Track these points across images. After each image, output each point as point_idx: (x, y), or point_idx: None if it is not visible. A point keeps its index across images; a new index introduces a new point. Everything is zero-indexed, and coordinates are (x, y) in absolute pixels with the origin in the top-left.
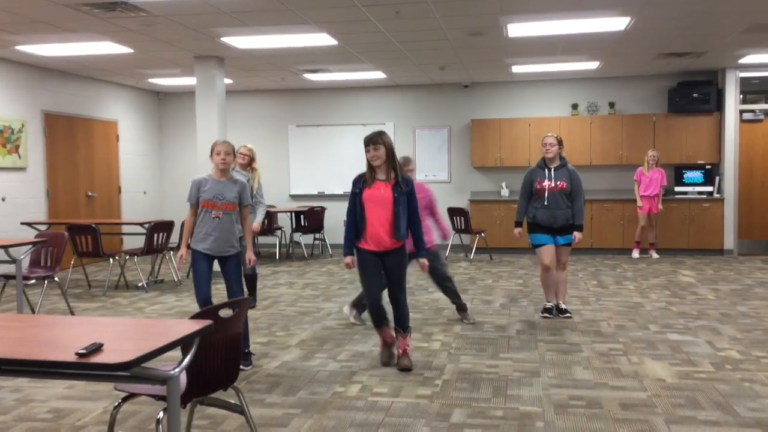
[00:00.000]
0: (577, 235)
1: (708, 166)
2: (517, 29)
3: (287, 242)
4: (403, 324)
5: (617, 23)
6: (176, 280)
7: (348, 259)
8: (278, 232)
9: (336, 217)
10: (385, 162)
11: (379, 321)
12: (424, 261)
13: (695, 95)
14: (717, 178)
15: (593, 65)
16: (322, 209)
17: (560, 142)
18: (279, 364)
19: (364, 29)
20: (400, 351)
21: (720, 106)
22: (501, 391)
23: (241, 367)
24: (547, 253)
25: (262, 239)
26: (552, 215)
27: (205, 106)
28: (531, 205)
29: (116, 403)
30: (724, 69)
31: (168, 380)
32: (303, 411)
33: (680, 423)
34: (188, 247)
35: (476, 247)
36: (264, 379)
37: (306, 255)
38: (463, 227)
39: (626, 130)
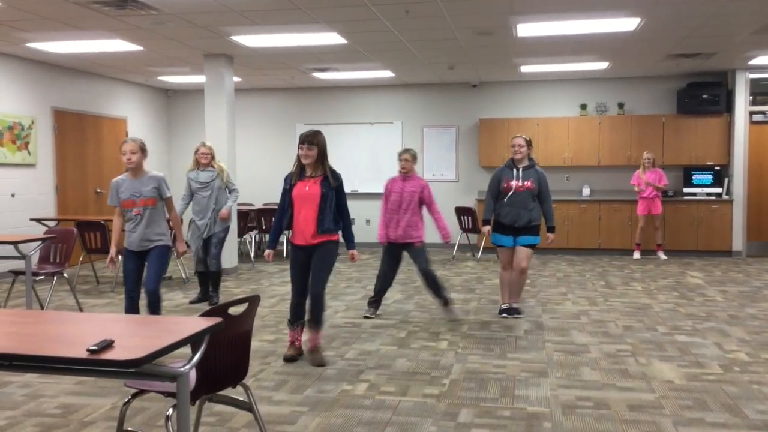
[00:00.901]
0: (550, 236)
1: (717, 168)
2: (526, 29)
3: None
4: (316, 317)
5: (627, 24)
6: (184, 277)
7: (268, 251)
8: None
9: None
10: (316, 161)
11: (295, 319)
12: (353, 252)
13: (705, 96)
14: (726, 180)
15: (602, 65)
16: None
17: (529, 144)
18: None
19: (373, 28)
20: (311, 346)
21: (729, 108)
22: (508, 391)
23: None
24: (505, 254)
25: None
26: (515, 214)
27: (214, 104)
28: (497, 203)
29: (126, 400)
30: (734, 70)
31: (178, 377)
32: (310, 409)
33: (688, 425)
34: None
35: (483, 247)
36: (272, 377)
37: None
38: (470, 227)
39: (635, 130)
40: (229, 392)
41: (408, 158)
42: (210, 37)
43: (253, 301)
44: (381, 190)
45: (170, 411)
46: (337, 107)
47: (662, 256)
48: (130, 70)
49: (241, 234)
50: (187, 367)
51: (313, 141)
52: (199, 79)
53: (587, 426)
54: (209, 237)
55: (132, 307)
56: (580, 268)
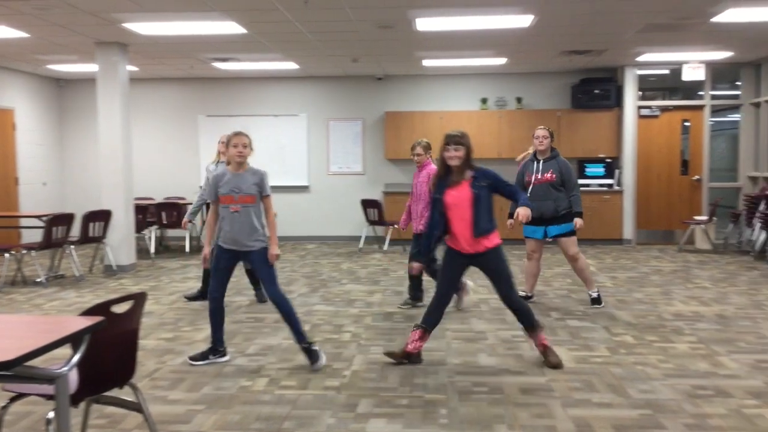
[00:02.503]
0: (578, 221)
1: (609, 160)
2: (425, 23)
3: (198, 235)
4: (529, 320)
5: (522, 20)
6: (77, 275)
7: (417, 266)
8: (189, 225)
9: None
10: (463, 163)
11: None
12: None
13: (596, 92)
14: (617, 171)
15: (501, 61)
16: None
17: (552, 135)
18: (184, 360)
19: (273, 18)
20: (543, 348)
21: (619, 102)
22: (408, 379)
23: (315, 366)
24: (530, 244)
25: (171, 232)
26: (539, 206)
27: (107, 94)
28: None
29: (3, 404)
30: (623, 67)
31: (56, 379)
32: (207, 407)
33: (576, 406)
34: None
35: (390, 239)
36: (168, 375)
37: None
38: (376, 219)
39: (533, 124)
40: (119, 393)
41: (419, 152)
42: (100, 24)
43: (139, 298)
44: (287, 183)
45: (51, 414)
46: (241, 99)
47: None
48: (16, 58)
49: (140, 229)
50: (65, 368)
51: (461, 141)
52: (92, 67)
53: (481, 411)
54: None
55: (218, 310)
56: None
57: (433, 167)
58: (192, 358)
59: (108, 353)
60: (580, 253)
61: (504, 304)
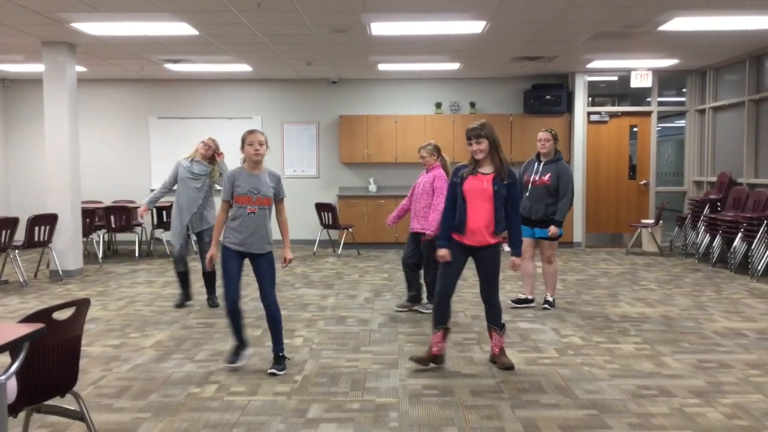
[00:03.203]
0: (552, 228)
1: None
2: (379, 28)
3: (147, 239)
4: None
5: (474, 26)
6: (21, 280)
7: (444, 252)
8: (137, 229)
9: None
10: (487, 155)
11: (441, 321)
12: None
13: (548, 97)
14: None
15: (455, 66)
16: None
17: (555, 137)
18: (131, 367)
19: (225, 20)
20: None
21: (570, 108)
22: (359, 384)
23: (275, 371)
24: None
25: (120, 236)
26: (531, 207)
27: (54, 95)
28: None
29: None
30: (573, 73)
31: None
32: (153, 414)
33: (524, 407)
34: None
35: (344, 242)
36: (113, 383)
37: (168, 252)
38: (330, 223)
39: None
40: (61, 402)
41: (425, 155)
42: (47, 23)
43: (82, 304)
44: None
45: None
46: (194, 101)
47: (506, 248)
48: None
49: (87, 233)
50: (2, 377)
51: (481, 133)
52: (39, 67)
53: (431, 413)
54: (201, 234)
55: (237, 314)
56: None
57: (442, 172)
58: (229, 361)
59: (49, 361)
60: (555, 258)
61: (482, 298)
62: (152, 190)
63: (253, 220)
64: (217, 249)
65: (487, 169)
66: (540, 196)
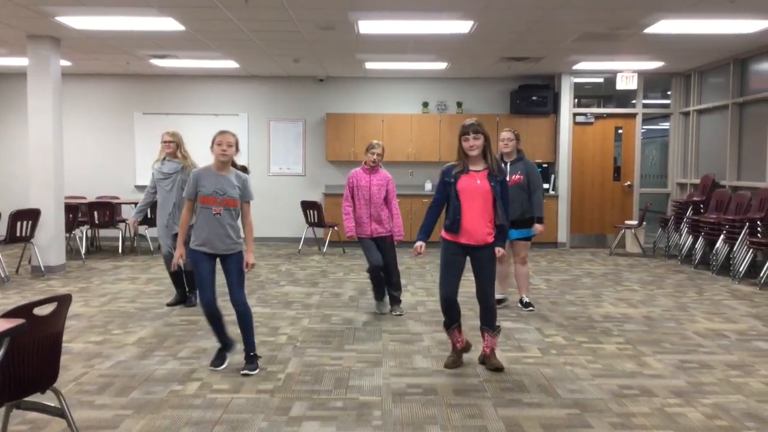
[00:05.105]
0: (538, 226)
1: (545, 165)
2: (367, 26)
3: (131, 235)
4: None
5: (462, 26)
6: (3, 275)
7: (420, 244)
8: (121, 225)
9: None
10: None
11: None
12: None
13: (534, 98)
14: (552, 176)
15: (442, 66)
16: None
17: (517, 137)
18: (113, 363)
19: (212, 16)
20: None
21: (556, 109)
22: (343, 382)
23: (247, 372)
24: None
25: (104, 232)
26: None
27: (38, 89)
28: None
29: None
30: (560, 74)
31: None
32: (135, 412)
33: (507, 406)
34: (185, 245)
35: (329, 241)
36: (95, 380)
37: (152, 249)
38: (316, 221)
39: None
40: (42, 398)
41: (380, 152)
42: (32, 17)
43: (63, 300)
44: None
45: None
46: (179, 97)
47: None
48: None
49: (70, 229)
50: None
51: (479, 129)
52: (23, 61)
53: (415, 412)
54: (176, 236)
55: (215, 315)
56: (421, 260)
57: (386, 172)
58: (212, 365)
59: (29, 357)
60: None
61: (478, 299)
62: (137, 187)
63: (219, 221)
64: (184, 248)
65: (479, 166)
66: (516, 195)
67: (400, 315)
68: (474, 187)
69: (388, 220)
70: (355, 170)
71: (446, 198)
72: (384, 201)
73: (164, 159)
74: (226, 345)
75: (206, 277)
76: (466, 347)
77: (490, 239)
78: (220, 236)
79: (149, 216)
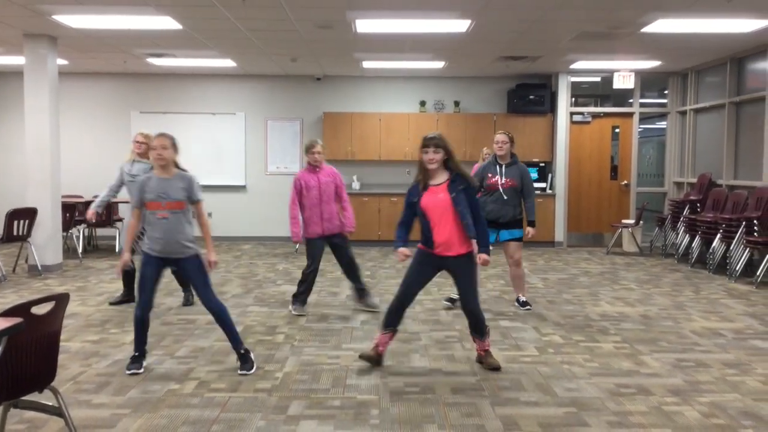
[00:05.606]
0: (530, 230)
1: (542, 164)
2: (365, 25)
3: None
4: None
5: (459, 25)
6: (0, 275)
7: (402, 249)
8: (119, 224)
9: None
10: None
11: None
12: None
13: (531, 97)
14: (550, 175)
15: (439, 65)
16: None
17: (512, 140)
18: (110, 362)
19: (210, 15)
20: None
21: (553, 108)
22: (340, 381)
23: (244, 372)
24: None
25: (101, 231)
26: (499, 210)
27: (35, 88)
28: (482, 198)
29: None
30: (557, 73)
31: None
32: (133, 411)
33: (504, 405)
34: (132, 252)
35: None
36: (93, 378)
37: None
38: None
39: (469, 128)
40: (39, 397)
41: (321, 150)
42: (29, 15)
43: (60, 299)
44: (224, 182)
45: None
46: (177, 96)
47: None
48: None
49: (67, 228)
50: None
51: (440, 143)
52: (19, 60)
53: (412, 411)
54: None
55: (144, 320)
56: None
57: (331, 167)
58: (127, 369)
59: (27, 356)
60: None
61: (462, 308)
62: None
63: (166, 225)
64: (129, 255)
65: (439, 179)
66: (510, 198)
67: (375, 308)
68: (436, 202)
69: (338, 216)
70: (300, 172)
71: (413, 216)
72: (335, 195)
73: (134, 160)
74: (141, 353)
75: (148, 279)
76: (379, 359)
77: (464, 249)
78: (169, 242)
79: (104, 217)
